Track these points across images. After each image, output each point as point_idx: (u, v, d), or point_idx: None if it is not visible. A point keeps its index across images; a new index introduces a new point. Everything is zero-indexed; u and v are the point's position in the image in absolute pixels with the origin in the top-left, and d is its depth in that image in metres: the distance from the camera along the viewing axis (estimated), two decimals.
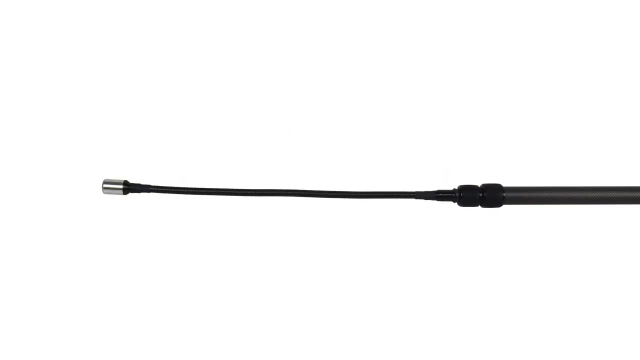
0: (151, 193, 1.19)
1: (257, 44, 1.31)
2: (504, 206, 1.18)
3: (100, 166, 1.22)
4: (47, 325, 1.11)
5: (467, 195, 1.17)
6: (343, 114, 1.28)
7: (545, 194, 1.18)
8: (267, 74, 1.30)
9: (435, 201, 1.18)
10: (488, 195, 1.17)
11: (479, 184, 1.18)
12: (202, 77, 1.30)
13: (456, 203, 1.18)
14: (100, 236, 1.17)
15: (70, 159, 1.23)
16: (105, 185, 1.18)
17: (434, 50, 1.31)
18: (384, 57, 1.31)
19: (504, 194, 1.17)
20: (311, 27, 1.32)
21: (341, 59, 1.31)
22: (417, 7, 1.33)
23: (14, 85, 1.28)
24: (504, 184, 1.18)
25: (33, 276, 1.14)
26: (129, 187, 1.19)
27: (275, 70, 1.30)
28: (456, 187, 1.18)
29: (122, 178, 1.19)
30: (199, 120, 1.27)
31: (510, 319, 1.13)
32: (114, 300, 1.12)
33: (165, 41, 1.31)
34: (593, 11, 1.32)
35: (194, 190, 1.18)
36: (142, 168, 1.23)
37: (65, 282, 1.14)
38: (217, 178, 1.22)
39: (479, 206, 1.18)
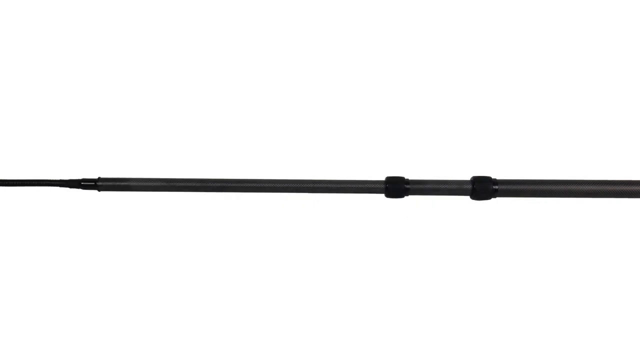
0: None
1: (237, 40, 1.30)
2: (497, 198, 1.18)
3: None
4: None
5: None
6: (338, 110, 1.27)
7: (537, 187, 1.17)
8: (246, 69, 1.29)
9: None
10: (478, 188, 1.16)
11: (470, 176, 1.18)
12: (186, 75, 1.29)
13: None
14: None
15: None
16: None
17: (425, 45, 1.29)
18: (375, 53, 1.28)
19: (495, 187, 1.16)
20: (296, 23, 1.30)
21: (333, 56, 1.29)
22: (407, 5, 1.31)
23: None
24: (496, 177, 1.17)
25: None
26: None
27: (254, 65, 1.29)
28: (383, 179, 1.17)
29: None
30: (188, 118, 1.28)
31: (500, 312, 1.13)
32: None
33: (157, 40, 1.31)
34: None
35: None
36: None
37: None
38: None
39: (469, 198, 1.18)
